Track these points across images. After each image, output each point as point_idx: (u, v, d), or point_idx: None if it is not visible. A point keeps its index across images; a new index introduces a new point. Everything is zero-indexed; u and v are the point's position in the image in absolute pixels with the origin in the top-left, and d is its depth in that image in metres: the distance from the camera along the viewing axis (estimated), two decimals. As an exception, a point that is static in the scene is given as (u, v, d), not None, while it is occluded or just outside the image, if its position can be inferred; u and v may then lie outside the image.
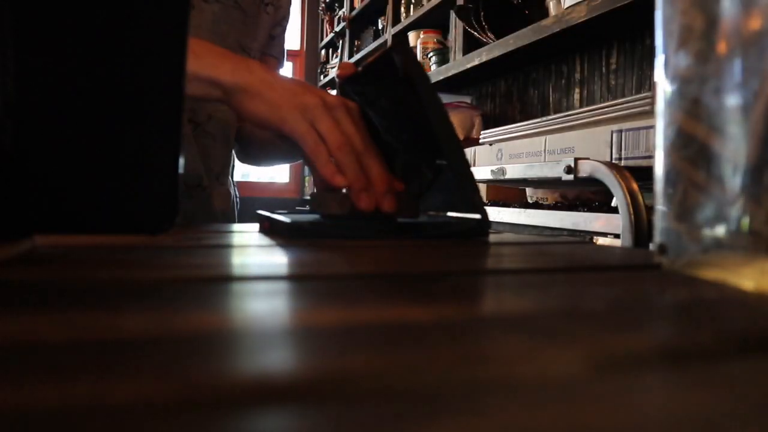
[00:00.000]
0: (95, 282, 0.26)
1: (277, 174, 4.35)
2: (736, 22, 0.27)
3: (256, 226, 0.65)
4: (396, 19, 2.63)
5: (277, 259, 0.36)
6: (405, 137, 0.58)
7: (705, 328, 0.20)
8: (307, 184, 4.24)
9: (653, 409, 0.12)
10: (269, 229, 0.60)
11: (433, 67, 2.17)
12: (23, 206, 0.32)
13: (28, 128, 0.31)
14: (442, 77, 2.04)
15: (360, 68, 0.58)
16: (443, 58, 2.14)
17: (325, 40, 3.89)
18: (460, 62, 1.90)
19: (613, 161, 0.77)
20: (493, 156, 1.03)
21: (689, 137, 0.30)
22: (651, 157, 0.72)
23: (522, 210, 0.95)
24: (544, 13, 1.56)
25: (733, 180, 0.27)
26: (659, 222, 0.32)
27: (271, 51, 0.94)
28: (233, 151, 0.96)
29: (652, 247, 0.45)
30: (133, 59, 0.32)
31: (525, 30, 1.52)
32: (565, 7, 1.38)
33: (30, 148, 0.31)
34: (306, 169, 4.24)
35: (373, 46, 2.87)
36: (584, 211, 0.86)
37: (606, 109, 0.84)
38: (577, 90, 1.67)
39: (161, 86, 0.33)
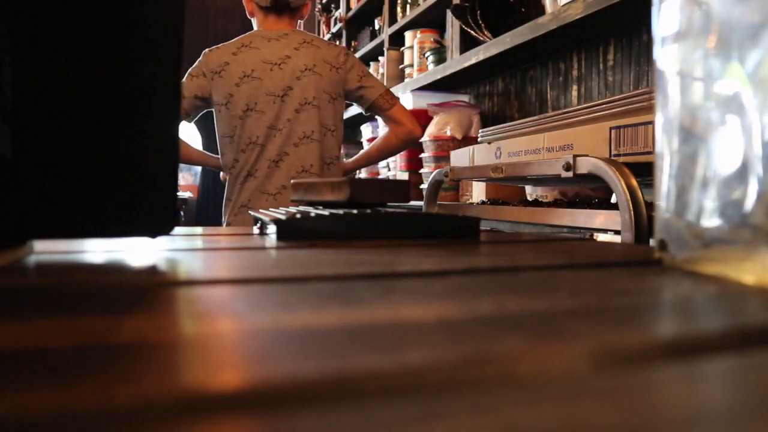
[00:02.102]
0: (95, 287, 0.26)
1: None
2: (733, 16, 0.27)
3: (254, 228, 0.65)
4: (392, 19, 2.63)
5: (274, 261, 0.36)
6: None
7: (706, 323, 0.20)
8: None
9: (656, 405, 0.12)
10: (262, 230, 0.60)
11: (431, 66, 2.17)
12: (23, 212, 0.32)
13: (26, 134, 0.31)
14: (439, 76, 2.04)
15: None
16: (440, 57, 2.14)
17: (322, 41, 3.87)
18: (458, 61, 1.90)
19: (612, 158, 0.77)
20: (492, 154, 1.03)
21: (688, 132, 0.30)
22: (650, 153, 0.72)
23: (521, 208, 0.95)
24: (541, 10, 1.56)
25: (733, 175, 0.27)
26: (659, 218, 0.32)
27: (371, 93, 1.54)
28: None
29: (652, 243, 0.45)
30: (131, 67, 0.32)
31: (522, 28, 1.52)
32: (562, 4, 1.38)
33: (29, 154, 0.31)
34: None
35: (371, 47, 2.87)
36: (584, 208, 0.86)
37: (604, 106, 0.84)
38: (574, 87, 1.67)
39: (159, 93, 0.33)
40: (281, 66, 1.45)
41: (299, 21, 1.61)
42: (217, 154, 1.55)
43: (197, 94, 1.46)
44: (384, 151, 1.63)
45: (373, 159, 1.67)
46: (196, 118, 1.54)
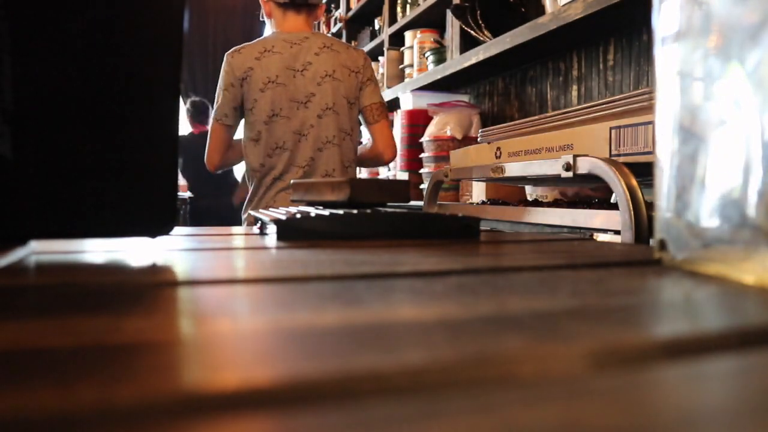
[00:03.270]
0: (95, 287, 0.26)
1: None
2: (733, 16, 0.27)
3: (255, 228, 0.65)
4: (392, 19, 2.62)
5: (274, 261, 0.36)
6: None
7: (706, 323, 0.20)
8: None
9: (656, 405, 0.12)
10: (262, 230, 0.60)
11: (431, 66, 2.16)
12: (23, 212, 0.32)
13: (26, 134, 0.31)
14: (439, 76, 2.04)
15: None
16: (440, 57, 2.14)
17: (322, 41, 3.87)
18: (458, 61, 1.90)
19: (612, 158, 0.77)
20: (492, 154, 1.03)
21: (688, 132, 0.30)
22: (650, 153, 0.72)
23: (521, 208, 0.95)
24: (541, 10, 1.55)
25: (733, 175, 0.27)
26: (659, 218, 0.32)
27: (364, 98, 1.56)
28: None
29: (652, 243, 0.45)
30: (131, 67, 0.32)
31: (522, 28, 1.52)
32: (562, 4, 1.38)
33: (29, 154, 0.31)
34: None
35: (371, 47, 2.87)
36: (584, 208, 0.86)
37: (604, 106, 0.84)
38: (574, 87, 1.67)
39: (158, 94, 0.33)
40: (303, 72, 1.49)
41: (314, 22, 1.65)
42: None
43: (235, 105, 1.49)
44: (361, 160, 1.65)
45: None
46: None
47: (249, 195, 1.56)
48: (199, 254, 0.40)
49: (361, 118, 1.59)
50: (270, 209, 0.69)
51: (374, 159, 1.61)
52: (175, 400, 0.12)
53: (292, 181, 0.72)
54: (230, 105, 1.48)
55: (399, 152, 2.17)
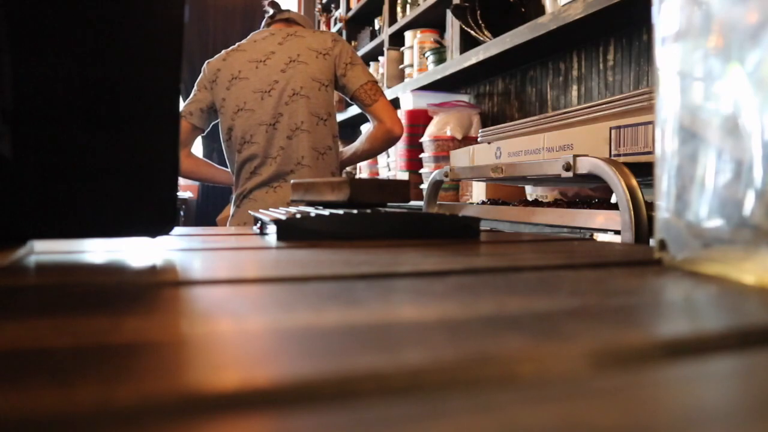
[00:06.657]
0: (95, 287, 0.26)
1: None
2: (733, 16, 0.27)
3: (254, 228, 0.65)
4: (392, 19, 2.62)
5: (274, 261, 0.36)
6: None
7: (706, 323, 0.20)
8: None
9: (656, 405, 0.12)
10: (262, 230, 0.60)
11: (431, 66, 2.16)
12: (23, 212, 0.32)
13: (26, 134, 0.31)
14: (439, 76, 2.04)
15: None
16: (440, 57, 2.14)
17: (322, 41, 3.86)
18: (458, 61, 1.90)
19: (612, 158, 0.77)
20: (492, 154, 1.03)
21: (688, 132, 0.30)
22: (650, 153, 0.72)
23: (521, 208, 0.95)
24: (541, 10, 1.55)
25: (733, 174, 0.27)
26: (659, 218, 0.32)
27: (352, 83, 1.50)
28: None
29: (652, 243, 0.45)
30: (131, 67, 0.32)
31: (522, 28, 1.52)
32: (562, 4, 1.38)
33: (29, 154, 0.31)
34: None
35: (371, 47, 2.87)
36: (584, 208, 0.86)
37: (604, 106, 0.84)
38: (574, 87, 1.67)
39: (159, 94, 0.33)
40: (266, 62, 1.48)
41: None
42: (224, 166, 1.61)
43: (201, 107, 1.51)
44: (369, 151, 1.58)
45: (358, 157, 1.61)
46: (208, 129, 1.58)
47: (233, 189, 1.54)
48: (199, 254, 0.40)
49: (357, 106, 1.54)
50: (270, 209, 0.69)
51: (385, 139, 1.53)
52: (175, 400, 0.12)
53: (292, 181, 0.72)
54: (196, 105, 1.51)
55: (399, 152, 2.17)
